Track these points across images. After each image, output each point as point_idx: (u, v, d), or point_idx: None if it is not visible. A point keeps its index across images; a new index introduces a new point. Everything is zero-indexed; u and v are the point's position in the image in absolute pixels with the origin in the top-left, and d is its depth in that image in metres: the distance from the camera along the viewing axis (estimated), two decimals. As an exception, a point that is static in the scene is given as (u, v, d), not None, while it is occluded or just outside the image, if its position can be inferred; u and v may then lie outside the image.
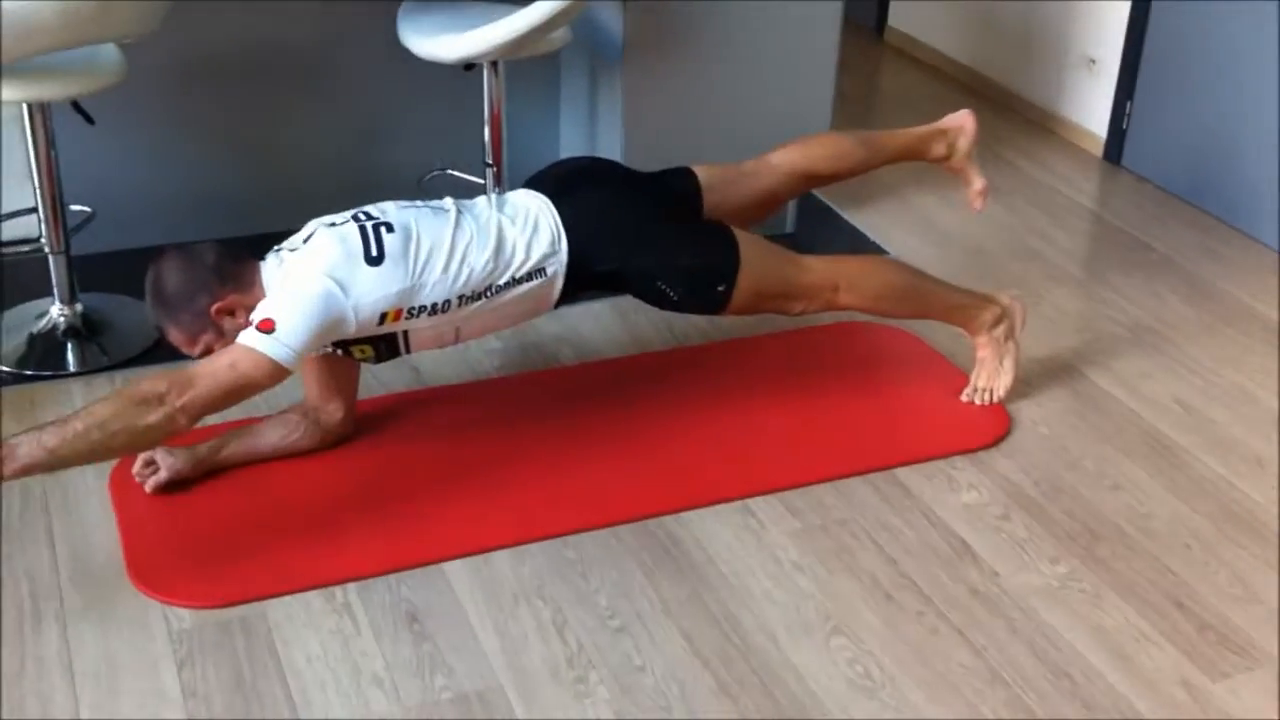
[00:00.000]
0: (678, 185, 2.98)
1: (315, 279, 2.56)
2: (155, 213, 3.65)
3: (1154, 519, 2.81)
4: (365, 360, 2.77)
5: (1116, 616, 2.54)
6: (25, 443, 2.36)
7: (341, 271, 2.57)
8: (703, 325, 3.41)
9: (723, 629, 2.47)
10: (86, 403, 2.51)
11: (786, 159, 3.11)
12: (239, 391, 2.49)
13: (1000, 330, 3.11)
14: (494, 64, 3.40)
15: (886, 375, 3.30)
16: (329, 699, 2.28)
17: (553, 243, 2.75)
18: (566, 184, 2.87)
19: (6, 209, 3.38)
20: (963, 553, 2.69)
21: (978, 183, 3.25)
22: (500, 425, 3.02)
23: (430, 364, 3.22)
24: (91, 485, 2.74)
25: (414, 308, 2.64)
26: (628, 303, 2.95)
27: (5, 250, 3.35)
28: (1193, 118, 4.26)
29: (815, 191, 4.15)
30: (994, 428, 3.07)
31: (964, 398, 3.14)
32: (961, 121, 3.22)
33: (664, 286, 2.84)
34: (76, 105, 3.11)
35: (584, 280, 2.82)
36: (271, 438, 2.82)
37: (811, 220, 4.03)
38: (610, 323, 3.46)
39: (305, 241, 2.66)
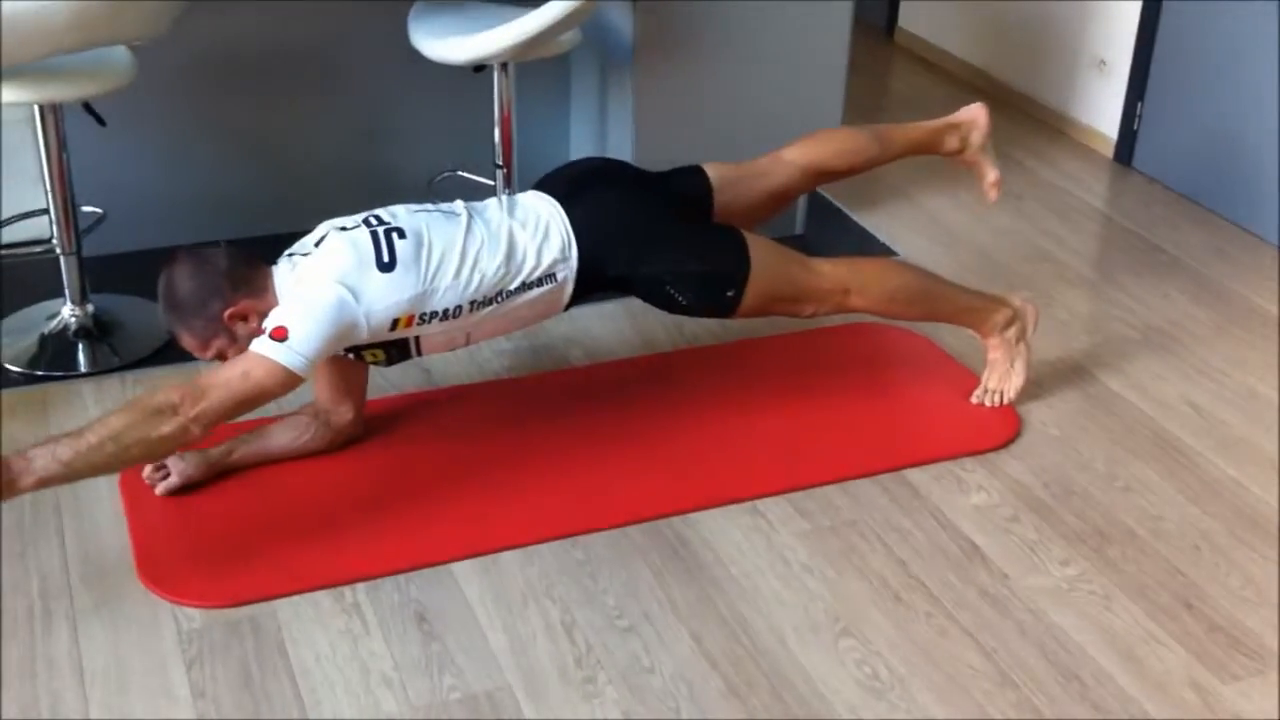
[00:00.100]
0: (688, 186, 2.98)
1: (327, 286, 2.56)
2: (167, 214, 3.66)
3: (1164, 521, 2.81)
4: (376, 364, 2.77)
5: (1126, 618, 2.53)
6: (40, 456, 2.36)
7: (353, 278, 2.58)
8: (713, 326, 3.40)
9: (731, 630, 2.46)
10: (99, 410, 2.52)
11: (800, 154, 3.10)
12: (252, 400, 2.50)
13: (1012, 332, 3.10)
14: (504, 65, 3.40)
15: (896, 377, 3.29)
16: (338, 698, 2.29)
17: (563, 248, 2.75)
18: (577, 186, 2.87)
19: (20, 210, 3.39)
20: (972, 554, 2.68)
21: (991, 174, 3.23)
22: (510, 426, 3.02)
23: (440, 364, 3.22)
24: (102, 485, 2.73)
25: (425, 314, 2.64)
26: (638, 304, 2.94)
27: (18, 251, 3.36)
28: (1203, 119, 4.25)
29: (824, 193, 4.16)
30: (1004, 429, 3.06)
31: (974, 399, 3.14)
32: (974, 115, 3.21)
33: (673, 291, 2.84)
34: (88, 107, 3.12)
35: (594, 284, 2.82)
36: (282, 439, 2.83)
37: (821, 222, 4.02)
38: (620, 324, 3.46)
39: (317, 245, 2.66)
